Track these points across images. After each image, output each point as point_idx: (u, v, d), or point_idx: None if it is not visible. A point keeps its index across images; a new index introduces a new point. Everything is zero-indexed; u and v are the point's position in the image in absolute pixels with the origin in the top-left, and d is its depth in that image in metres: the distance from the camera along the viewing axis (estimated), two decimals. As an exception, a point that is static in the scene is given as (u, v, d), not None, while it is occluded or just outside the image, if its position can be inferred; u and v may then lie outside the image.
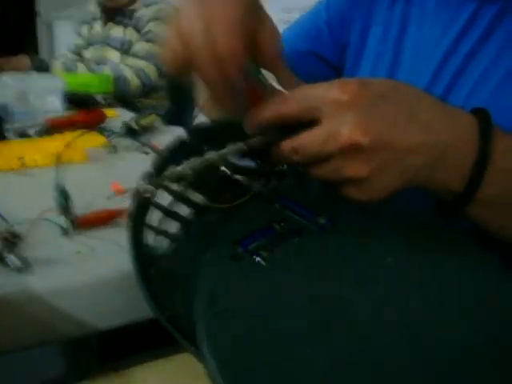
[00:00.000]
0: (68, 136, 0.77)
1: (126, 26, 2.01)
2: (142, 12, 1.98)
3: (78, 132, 0.79)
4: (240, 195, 0.40)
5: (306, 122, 0.37)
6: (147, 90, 1.97)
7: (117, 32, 2.03)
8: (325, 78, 0.38)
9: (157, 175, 0.37)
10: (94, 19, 2.13)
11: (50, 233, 0.48)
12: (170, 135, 0.95)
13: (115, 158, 0.80)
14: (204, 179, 0.39)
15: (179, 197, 0.41)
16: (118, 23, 2.04)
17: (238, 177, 0.41)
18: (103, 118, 1.01)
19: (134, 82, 1.89)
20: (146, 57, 1.94)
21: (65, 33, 3.56)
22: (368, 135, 0.34)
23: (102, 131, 0.88)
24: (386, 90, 0.37)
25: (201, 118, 0.49)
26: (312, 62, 0.69)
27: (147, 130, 0.97)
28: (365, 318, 0.31)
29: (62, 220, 0.49)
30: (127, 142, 0.87)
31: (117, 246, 0.46)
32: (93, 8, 2.16)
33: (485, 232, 0.41)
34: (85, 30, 2.18)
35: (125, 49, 2.01)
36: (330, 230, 0.38)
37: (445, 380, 0.28)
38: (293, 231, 0.37)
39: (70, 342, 0.67)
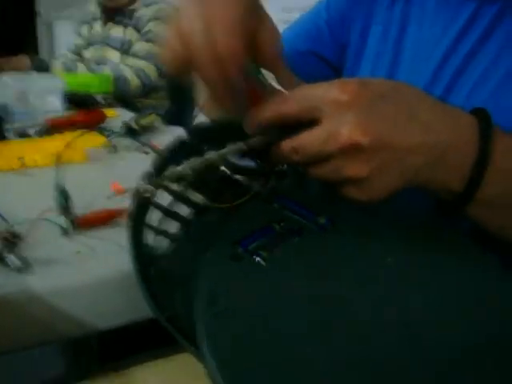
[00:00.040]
0: (68, 136, 0.77)
1: (126, 25, 2.01)
2: (142, 12, 1.98)
3: (78, 132, 0.79)
4: (240, 195, 0.40)
5: (305, 122, 0.37)
6: (147, 89, 1.97)
7: (117, 32, 2.03)
8: (325, 77, 0.38)
9: (157, 175, 0.37)
10: (94, 19, 2.13)
11: (50, 233, 0.48)
12: (169, 135, 0.95)
13: (115, 157, 0.80)
14: (204, 179, 0.39)
15: (179, 197, 0.41)
16: (117, 23, 2.04)
17: (237, 177, 0.41)
18: (103, 117, 1.01)
19: (134, 81, 1.89)
20: (145, 57, 1.94)
21: (65, 33, 3.56)
22: (368, 135, 0.34)
23: (102, 131, 0.88)
24: (386, 90, 0.37)
25: (201, 118, 0.49)
26: (312, 62, 0.69)
27: (147, 129, 0.97)
28: (365, 317, 0.31)
29: (62, 220, 0.49)
30: (127, 141, 0.87)
31: (117, 246, 0.46)
32: (93, 8, 2.16)
33: (485, 232, 0.41)
34: (85, 29, 2.18)
35: (125, 49, 2.01)
36: (330, 230, 0.38)
37: (445, 380, 0.28)
38: (293, 231, 0.37)
39: (69, 342, 0.67)
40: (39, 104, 1.13)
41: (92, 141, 0.80)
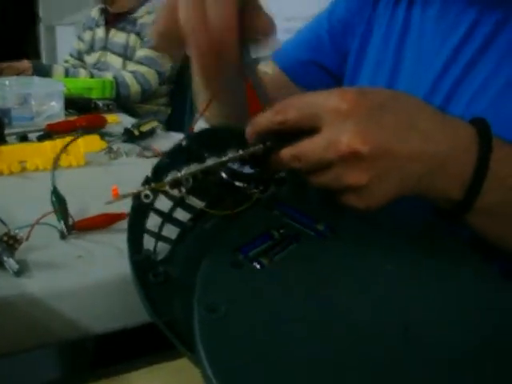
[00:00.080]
0: (69, 140, 0.77)
1: (128, 32, 2.02)
2: (145, 19, 1.99)
3: (79, 136, 0.79)
4: (240, 202, 0.40)
5: (305, 130, 0.37)
6: (147, 95, 1.97)
7: (119, 38, 2.04)
8: (326, 87, 0.39)
9: (156, 180, 0.37)
10: (97, 25, 2.14)
11: (49, 237, 0.48)
12: (170, 141, 0.96)
13: (115, 162, 0.80)
14: (204, 185, 0.39)
15: (179, 202, 0.41)
16: (120, 29, 2.05)
17: (238, 183, 0.41)
18: (104, 122, 1.02)
19: (134, 87, 1.90)
20: (147, 63, 1.94)
21: (66, 37, 3.57)
22: (367, 144, 0.35)
23: (102, 136, 0.88)
24: (386, 99, 0.37)
25: (201, 124, 0.49)
26: (313, 72, 0.69)
27: (148, 135, 0.97)
28: (364, 322, 0.31)
29: (62, 224, 0.49)
30: (127, 146, 0.87)
31: (116, 250, 0.46)
32: (95, 14, 2.17)
33: (484, 240, 0.42)
34: (87, 35, 2.19)
35: (127, 55, 2.02)
36: (330, 237, 0.38)
37: (445, 381, 0.28)
38: (292, 238, 0.37)
39: (67, 345, 0.67)
40: (40, 108, 1.13)
41: (92, 145, 0.80)
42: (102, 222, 0.51)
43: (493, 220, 0.40)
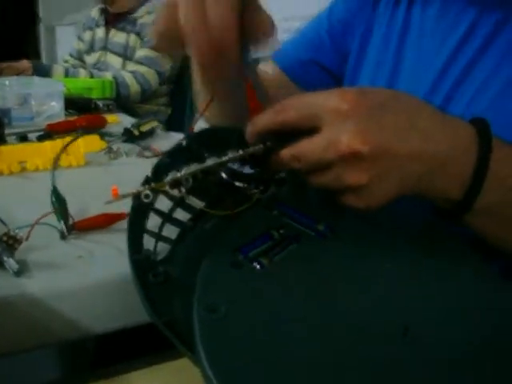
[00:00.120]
0: (69, 140, 0.77)
1: (128, 32, 2.02)
2: (145, 19, 1.99)
3: (79, 136, 0.79)
4: (240, 202, 0.40)
5: (305, 130, 0.37)
6: (147, 95, 1.97)
7: (119, 38, 2.04)
8: (326, 87, 0.39)
9: (156, 180, 0.37)
10: (97, 25, 2.14)
11: (49, 237, 0.48)
12: (170, 141, 0.96)
13: (115, 162, 0.80)
14: (204, 185, 0.39)
15: (179, 202, 0.41)
16: (120, 29, 2.05)
17: (238, 183, 0.41)
18: (104, 122, 1.02)
19: (134, 87, 1.90)
20: (147, 63, 1.94)
21: (66, 37, 3.57)
22: (367, 144, 0.35)
23: (102, 136, 0.88)
24: (386, 99, 0.37)
25: (201, 124, 0.49)
26: (314, 72, 0.69)
27: (147, 135, 0.97)
28: (364, 322, 0.31)
29: (61, 224, 0.49)
30: (127, 146, 0.87)
31: (116, 251, 0.46)
32: (95, 14, 2.17)
33: (484, 240, 0.42)
34: (87, 35, 2.19)
35: (127, 55, 2.02)
36: (329, 237, 0.38)
37: (445, 381, 0.28)
38: (292, 238, 0.37)
39: (67, 345, 0.67)
40: (40, 108, 1.13)
41: (92, 145, 0.80)
42: (102, 222, 0.51)
43: (492, 220, 0.40)
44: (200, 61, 0.40)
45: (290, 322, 0.30)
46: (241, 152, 0.38)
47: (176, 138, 1.02)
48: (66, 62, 2.26)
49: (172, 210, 0.41)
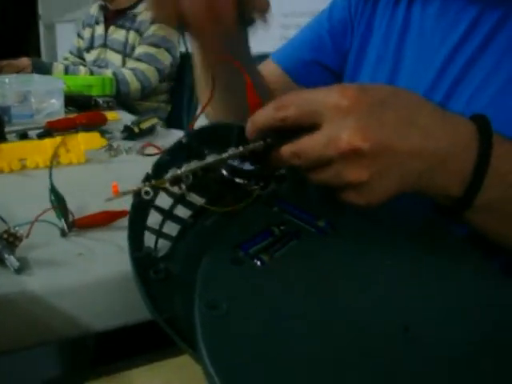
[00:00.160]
0: (69, 138, 0.77)
1: (128, 29, 2.02)
2: (145, 15, 1.99)
3: (79, 133, 0.79)
4: (241, 198, 0.40)
5: (305, 127, 0.37)
6: (146, 92, 1.97)
7: (119, 35, 2.04)
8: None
9: (157, 178, 0.37)
10: (97, 22, 2.14)
11: (49, 234, 0.48)
12: (170, 138, 0.96)
13: (116, 159, 0.80)
14: (205, 182, 0.39)
15: (179, 199, 0.41)
16: (120, 26, 2.04)
17: (238, 180, 0.41)
18: (104, 120, 1.01)
19: (134, 84, 1.90)
20: (147, 60, 1.94)
21: (66, 35, 3.57)
22: (368, 140, 0.35)
23: (102, 133, 0.88)
24: (386, 95, 0.37)
25: (202, 121, 0.49)
26: (316, 72, 0.69)
27: (148, 132, 0.97)
28: (365, 318, 0.31)
29: (62, 221, 0.49)
30: (128, 144, 0.87)
31: (116, 248, 0.46)
32: (94, 11, 2.17)
33: (484, 238, 0.42)
34: (87, 32, 2.19)
35: (127, 52, 2.01)
36: (330, 234, 0.38)
37: (445, 380, 0.28)
38: (292, 234, 0.37)
39: (67, 342, 0.67)
40: (40, 106, 1.13)
41: (93, 142, 0.80)
42: (103, 220, 0.51)
43: (493, 216, 0.40)
44: (197, 24, 0.40)
45: (291, 319, 0.30)
46: (241, 149, 0.38)
47: (176, 135, 1.02)
48: (66, 59, 2.26)
49: (172, 206, 0.41)
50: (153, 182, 0.37)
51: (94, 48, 2.14)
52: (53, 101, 1.15)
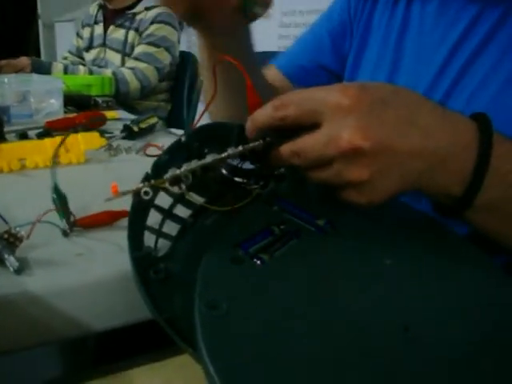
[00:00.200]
0: (68, 138, 0.77)
1: (127, 28, 2.02)
2: (144, 15, 1.99)
3: (79, 133, 0.79)
4: (240, 197, 0.40)
5: (305, 126, 0.37)
6: (146, 92, 1.97)
7: (118, 34, 2.04)
8: None
9: (157, 177, 0.37)
10: (96, 22, 2.14)
11: (49, 234, 0.48)
12: (170, 137, 0.95)
13: (115, 159, 0.80)
14: (204, 181, 0.39)
15: (179, 199, 0.41)
16: (119, 26, 2.04)
17: (238, 179, 0.41)
18: (104, 119, 1.01)
19: (133, 83, 1.90)
20: (146, 59, 1.94)
21: (66, 35, 3.56)
22: (368, 139, 0.35)
23: (102, 133, 0.87)
24: (386, 94, 0.37)
25: (202, 120, 0.49)
26: (318, 75, 0.70)
27: (147, 131, 0.97)
28: (365, 318, 0.31)
29: (62, 221, 0.49)
30: (127, 143, 0.87)
31: (116, 248, 0.46)
32: (94, 10, 2.17)
33: (484, 237, 0.42)
34: (86, 32, 2.18)
35: (126, 51, 2.01)
36: (330, 233, 0.38)
37: (445, 380, 0.28)
38: (292, 234, 0.37)
39: (68, 343, 0.67)
40: (39, 106, 1.13)
41: (92, 142, 0.80)
42: (104, 220, 0.51)
43: (493, 216, 0.40)
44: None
45: (291, 319, 0.30)
46: (240, 148, 0.38)
47: (176, 134, 1.02)
48: (65, 58, 2.26)
49: (172, 206, 0.41)
50: (152, 181, 0.37)
51: (93, 47, 2.14)
52: (52, 100, 1.15)
